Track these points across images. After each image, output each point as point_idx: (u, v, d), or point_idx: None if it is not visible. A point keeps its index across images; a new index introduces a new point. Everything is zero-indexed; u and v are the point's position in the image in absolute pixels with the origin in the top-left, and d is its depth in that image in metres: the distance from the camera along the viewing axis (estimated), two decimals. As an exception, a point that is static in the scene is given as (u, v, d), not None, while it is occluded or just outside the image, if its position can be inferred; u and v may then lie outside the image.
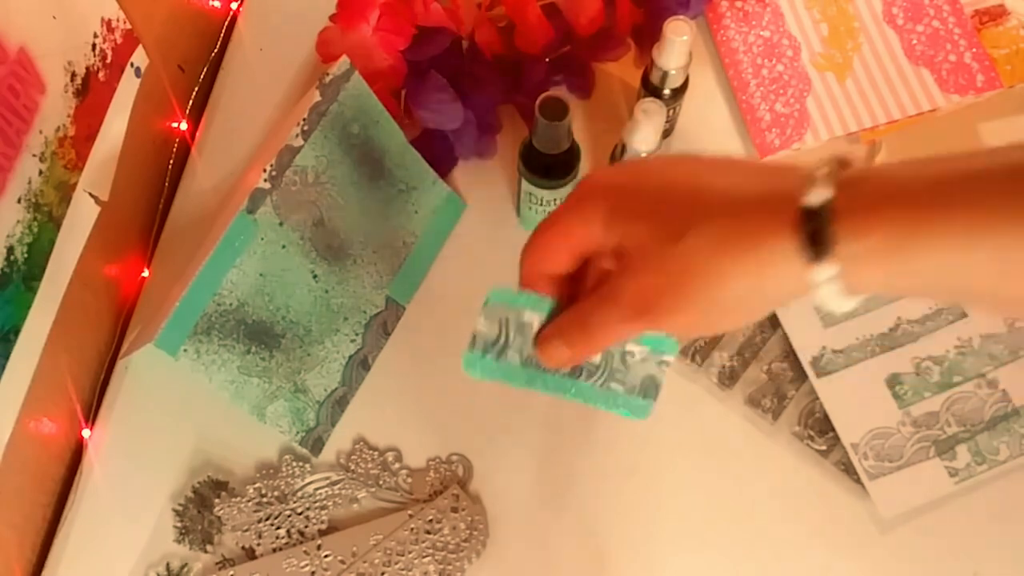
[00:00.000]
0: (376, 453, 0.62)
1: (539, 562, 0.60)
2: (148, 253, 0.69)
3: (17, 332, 0.54)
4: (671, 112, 0.66)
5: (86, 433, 0.63)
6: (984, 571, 0.58)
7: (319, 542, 0.59)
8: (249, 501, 0.61)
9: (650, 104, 0.57)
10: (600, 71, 0.73)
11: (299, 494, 0.61)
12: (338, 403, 0.63)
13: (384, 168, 0.65)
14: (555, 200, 0.63)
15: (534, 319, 0.38)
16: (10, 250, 0.52)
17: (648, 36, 0.69)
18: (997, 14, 0.72)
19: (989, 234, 0.27)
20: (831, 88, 0.71)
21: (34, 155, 0.53)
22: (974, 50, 0.70)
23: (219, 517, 0.60)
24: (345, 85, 0.61)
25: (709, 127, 0.72)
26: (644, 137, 0.58)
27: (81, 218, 0.59)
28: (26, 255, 0.54)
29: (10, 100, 0.50)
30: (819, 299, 0.30)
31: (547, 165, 0.60)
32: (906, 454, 0.60)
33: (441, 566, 0.59)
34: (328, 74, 0.61)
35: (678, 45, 0.60)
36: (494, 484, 0.62)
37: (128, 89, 0.63)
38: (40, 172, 0.54)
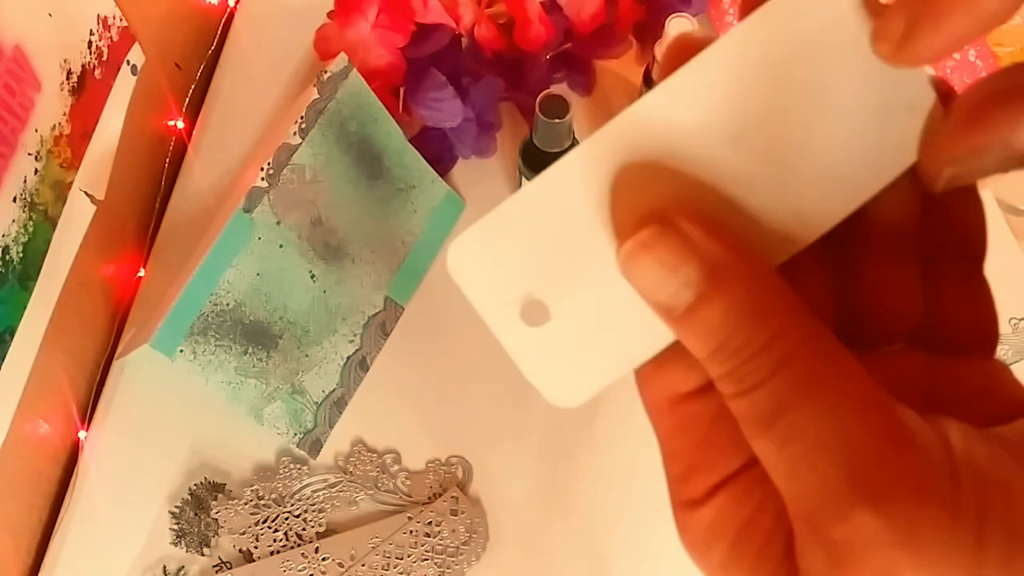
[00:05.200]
0: (375, 455, 0.62)
1: (539, 565, 0.59)
2: (144, 252, 0.69)
3: (13, 332, 0.54)
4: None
5: (82, 434, 0.63)
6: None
7: (317, 545, 0.59)
8: (246, 503, 0.60)
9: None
10: (601, 68, 0.72)
11: (297, 496, 0.61)
12: (336, 404, 0.63)
13: (383, 166, 0.64)
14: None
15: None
16: (5, 249, 0.52)
17: (650, 33, 0.69)
18: (1001, 11, 0.71)
19: None
20: (834, 86, 0.70)
21: (30, 153, 0.53)
22: (979, 48, 0.69)
23: (216, 519, 0.60)
24: (343, 83, 0.61)
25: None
26: None
27: (77, 217, 0.59)
28: (21, 254, 0.53)
29: (5, 98, 0.50)
30: None
31: (548, 163, 0.59)
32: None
33: (440, 569, 0.58)
34: (326, 71, 0.60)
35: (680, 42, 0.60)
36: (494, 486, 0.61)
37: (124, 87, 0.63)
38: (36, 171, 0.54)
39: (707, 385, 0.21)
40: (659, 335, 0.20)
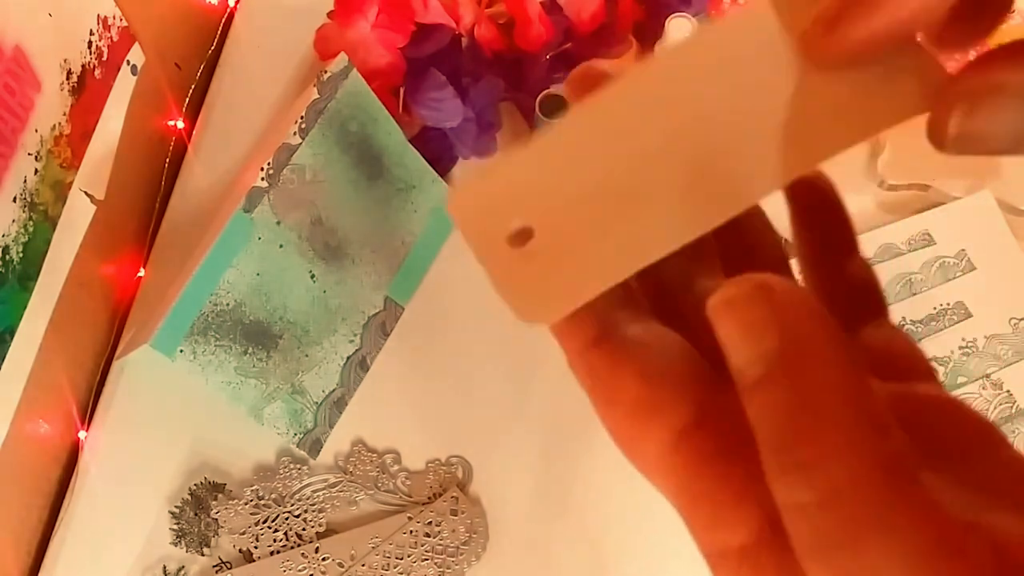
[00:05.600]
0: (375, 455, 0.62)
1: (539, 565, 0.59)
2: (144, 252, 0.69)
3: (12, 332, 0.54)
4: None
5: (82, 434, 0.63)
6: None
7: (317, 545, 0.59)
8: (246, 503, 0.60)
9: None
10: (601, 69, 0.72)
11: (297, 496, 0.61)
12: (336, 404, 0.63)
13: (383, 166, 0.64)
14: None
15: None
16: (5, 249, 0.52)
17: (650, 33, 0.69)
18: (1001, 12, 0.71)
19: None
20: (834, 86, 0.70)
21: (30, 153, 0.53)
22: (978, 48, 0.69)
23: (216, 519, 0.60)
24: (343, 83, 0.61)
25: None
26: None
27: (77, 217, 0.59)
28: (21, 254, 0.53)
29: (5, 98, 0.50)
30: None
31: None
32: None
33: (440, 569, 0.58)
34: (326, 71, 0.60)
35: (680, 43, 0.60)
36: (494, 486, 0.61)
37: (124, 87, 0.63)
38: (36, 171, 0.53)
39: (703, 416, 0.20)
40: (638, 255, 0.20)
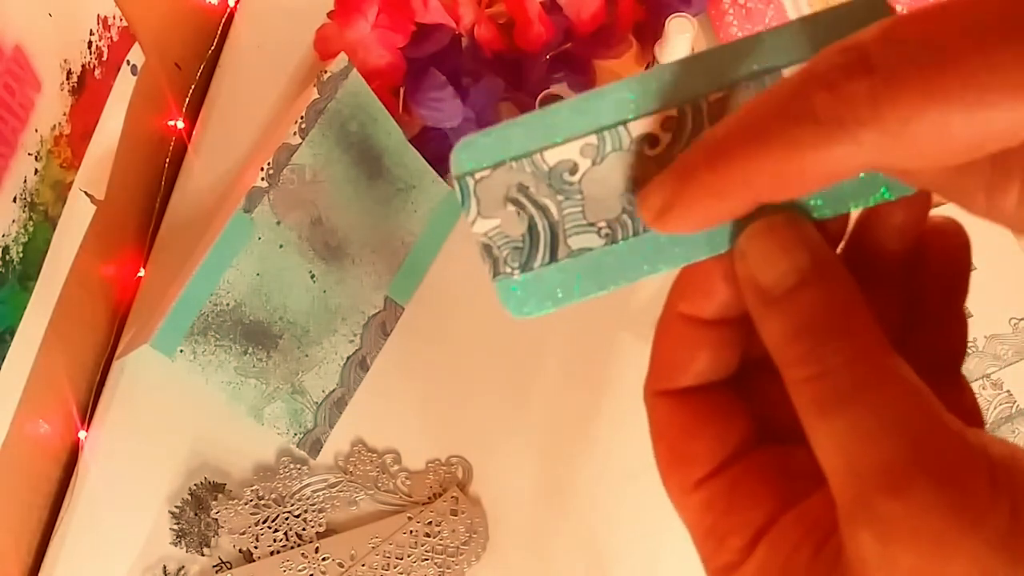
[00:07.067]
0: (375, 455, 0.62)
1: (539, 565, 0.60)
2: (144, 253, 0.69)
3: (12, 332, 0.54)
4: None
5: (82, 434, 0.63)
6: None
7: (317, 545, 0.59)
8: (246, 503, 0.60)
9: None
10: (601, 69, 0.72)
11: (297, 496, 0.61)
12: (336, 404, 0.63)
13: (383, 166, 0.64)
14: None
15: (572, 153, 0.22)
16: (5, 250, 0.52)
17: (650, 33, 0.69)
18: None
19: None
20: (834, 86, 0.70)
21: (30, 153, 0.53)
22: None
23: (216, 519, 0.60)
24: (343, 83, 0.61)
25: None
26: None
27: (77, 217, 0.59)
28: (21, 255, 0.53)
29: (5, 98, 0.50)
30: None
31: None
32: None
33: (440, 569, 0.58)
34: (326, 72, 0.60)
35: (680, 42, 0.60)
36: (494, 487, 0.61)
37: (124, 87, 0.63)
38: (36, 171, 0.54)
39: (723, 464, 0.24)
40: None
